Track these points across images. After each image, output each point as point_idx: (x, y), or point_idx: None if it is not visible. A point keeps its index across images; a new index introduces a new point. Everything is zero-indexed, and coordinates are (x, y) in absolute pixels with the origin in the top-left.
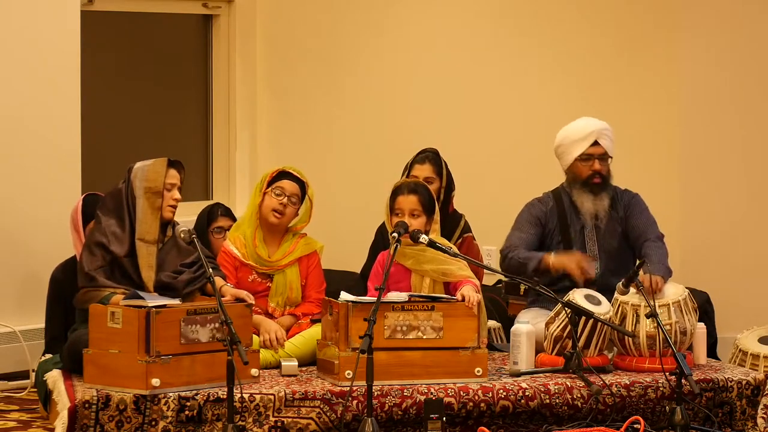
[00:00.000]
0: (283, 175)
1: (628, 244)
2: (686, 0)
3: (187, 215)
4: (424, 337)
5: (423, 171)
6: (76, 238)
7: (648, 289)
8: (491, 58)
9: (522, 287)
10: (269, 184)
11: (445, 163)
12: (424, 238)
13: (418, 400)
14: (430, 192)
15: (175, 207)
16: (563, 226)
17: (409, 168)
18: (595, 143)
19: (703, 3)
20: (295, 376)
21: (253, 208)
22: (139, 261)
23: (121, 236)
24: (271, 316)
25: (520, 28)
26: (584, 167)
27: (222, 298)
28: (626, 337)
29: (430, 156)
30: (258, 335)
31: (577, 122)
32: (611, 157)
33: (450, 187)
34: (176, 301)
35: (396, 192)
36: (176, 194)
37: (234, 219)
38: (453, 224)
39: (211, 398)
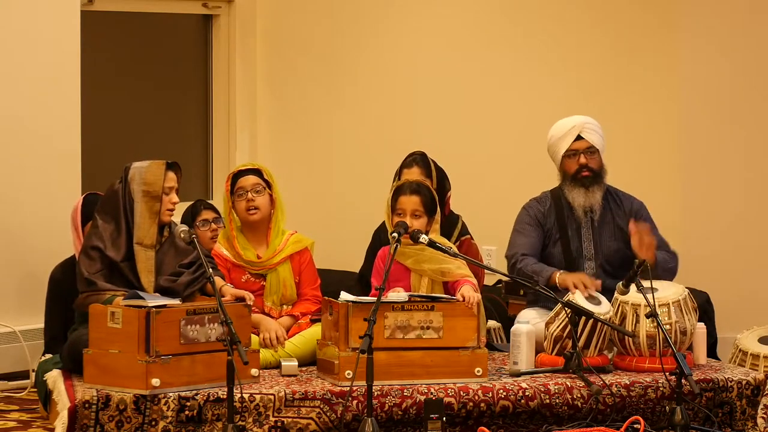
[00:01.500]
0: (237, 176)
1: (628, 250)
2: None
3: (180, 215)
4: (424, 337)
5: (411, 174)
6: (76, 238)
7: (634, 229)
8: (491, 58)
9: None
10: (232, 191)
11: (435, 164)
12: (424, 238)
13: (418, 400)
14: (432, 193)
15: (173, 210)
16: (561, 224)
17: (398, 173)
18: (579, 137)
19: (704, 2)
20: (295, 376)
21: (226, 217)
22: (138, 266)
23: (118, 240)
24: (268, 315)
25: (520, 27)
26: (571, 163)
27: (222, 298)
28: (626, 337)
29: (417, 158)
30: (257, 335)
31: (560, 120)
32: (599, 150)
33: (444, 188)
34: (176, 301)
35: (398, 192)
36: (174, 197)
37: (216, 211)
38: (450, 226)
39: (211, 398)
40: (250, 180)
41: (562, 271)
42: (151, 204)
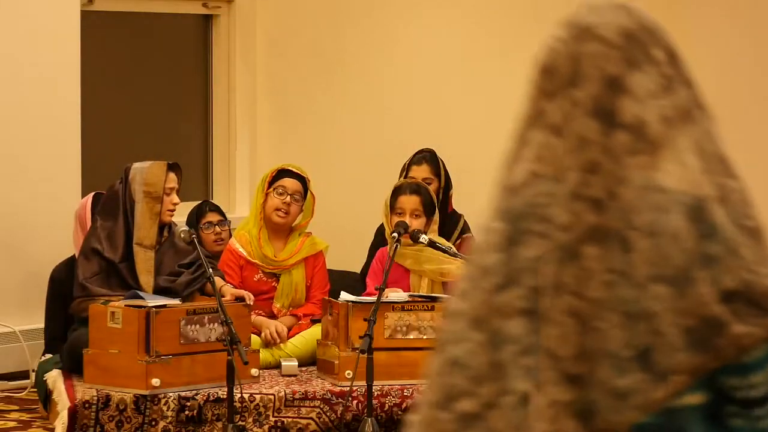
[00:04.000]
0: (283, 173)
1: None
2: (687, 1)
3: (186, 216)
4: (424, 337)
5: (420, 172)
6: (81, 237)
7: None
8: (492, 57)
9: None
10: (270, 183)
11: (442, 162)
12: (424, 238)
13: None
14: (431, 193)
15: (173, 211)
16: None
17: (406, 170)
18: None
19: (704, 2)
20: (295, 376)
21: (257, 208)
22: (137, 266)
23: (116, 241)
24: (275, 317)
25: (521, 27)
26: None
27: (222, 298)
28: None
29: (428, 157)
30: (259, 335)
31: None
32: None
33: (448, 186)
34: (176, 301)
35: (397, 191)
36: (175, 198)
37: (222, 213)
38: (452, 224)
39: (211, 398)
40: (295, 185)
41: None
42: (152, 205)
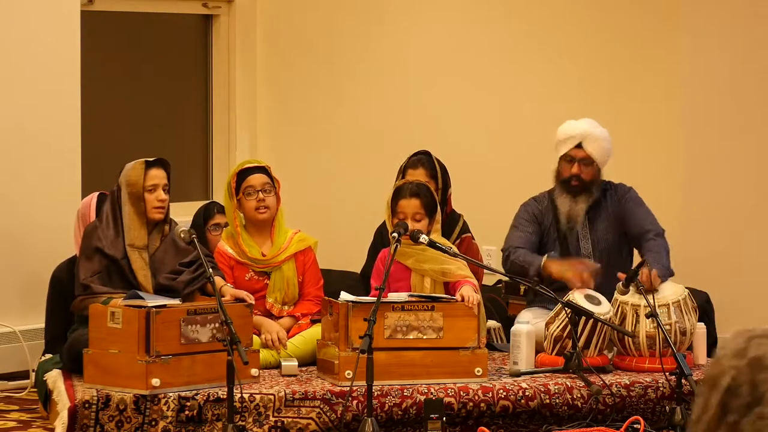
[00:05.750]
0: (243, 173)
1: (624, 240)
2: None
3: (187, 215)
4: (424, 337)
5: (416, 176)
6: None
7: (646, 281)
8: (491, 57)
9: (522, 287)
10: (237, 188)
11: (439, 162)
12: (424, 238)
13: (418, 400)
14: (432, 193)
15: (162, 208)
16: (558, 224)
17: (402, 172)
18: (579, 146)
19: (714, 6)
20: (295, 376)
21: (230, 215)
22: (133, 266)
23: (116, 240)
24: (269, 313)
25: (522, 27)
26: (565, 168)
27: (222, 298)
28: (626, 337)
29: (423, 159)
30: (259, 336)
31: (570, 122)
32: (597, 163)
33: (446, 186)
34: (176, 301)
35: (398, 194)
36: (161, 195)
37: None
38: (451, 224)
39: (211, 398)
40: (260, 179)
41: (551, 254)
42: (136, 205)
